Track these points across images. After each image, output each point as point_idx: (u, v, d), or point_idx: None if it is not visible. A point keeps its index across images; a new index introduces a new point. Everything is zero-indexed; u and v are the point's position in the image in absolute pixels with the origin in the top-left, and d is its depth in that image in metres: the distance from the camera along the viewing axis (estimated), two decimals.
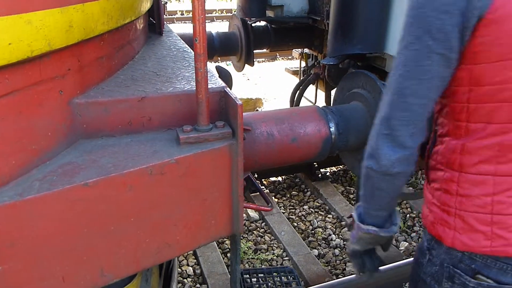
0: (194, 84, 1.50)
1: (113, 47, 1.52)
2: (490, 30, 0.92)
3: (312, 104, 4.36)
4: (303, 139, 1.86)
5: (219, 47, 3.79)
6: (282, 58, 8.96)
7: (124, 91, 1.40)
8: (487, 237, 1.00)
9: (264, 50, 4.22)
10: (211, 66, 3.34)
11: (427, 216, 1.17)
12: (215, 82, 1.51)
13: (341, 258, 3.53)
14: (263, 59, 9.01)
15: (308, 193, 4.45)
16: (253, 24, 3.76)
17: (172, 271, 2.44)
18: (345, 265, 3.44)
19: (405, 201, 4.23)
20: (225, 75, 2.92)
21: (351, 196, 4.42)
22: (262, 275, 2.03)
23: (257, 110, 6.25)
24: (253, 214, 3.96)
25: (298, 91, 3.97)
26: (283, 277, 2.05)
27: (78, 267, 1.21)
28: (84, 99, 1.32)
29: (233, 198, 1.45)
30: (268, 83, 7.32)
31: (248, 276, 2.03)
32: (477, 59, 0.96)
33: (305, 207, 4.22)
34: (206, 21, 1.27)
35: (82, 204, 1.14)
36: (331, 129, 1.92)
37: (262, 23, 3.86)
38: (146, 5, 1.87)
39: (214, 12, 13.25)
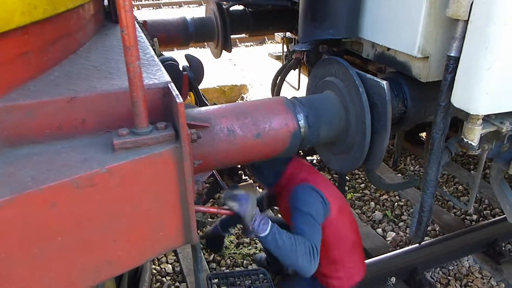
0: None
1: (43, 40, 1.35)
2: None
3: (295, 90, 4.19)
4: (268, 135, 1.71)
5: (194, 33, 3.59)
6: (271, 42, 8.73)
7: (53, 91, 1.24)
8: None
9: (244, 35, 4.01)
10: (181, 54, 3.17)
11: None
12: (159, 76, 1.35)
13: None
14: (251, 43, 8.78)
15: None
16: (230, 8, 3.56)
17: (141, 274, 2.32)
18: None
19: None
20: (196, 65, 2.74)
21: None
22: (232, 279, 1.90)
23: (243, 97, 6.07)
24: None
25: (279, 77, 3.79)
26: (256, 281, 1.93)
27: None
28: (3, 102, 1.15)
29: (183, 206, 1.30)
30: (255, 69, 7.12)
31: (217, 280, 1.90)
32: None
33: None
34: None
35: None
36: (299, 122, 1.76)
37: (240, 6, 3.66)
38: None
39: None
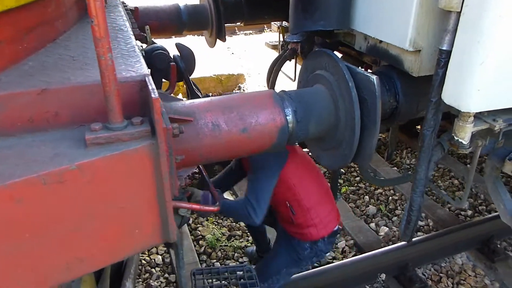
0: (120, 66, 1.29)
1: (17, 29, 1.29)
2: None
3: (291, 81, 4.13)
4: (255, 129, 1.65)
5: (188, 21, 3.51)
6: (270, 31, 8.61)
7: (24, 82, 1.19)
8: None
9: (239, 24, 3.93)
10: (171, 43, 3.10)
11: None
12: (137, 68, 1.29)
13: None
14: (250, 32, 8.66)
15: None
16: None
17: (127, 266, 2.28)
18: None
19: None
20: (187, 54, 2.68)
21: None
22: (216, 275, 1.87)
23: (239, 86, 6.00)
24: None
25: (275, 68, 3.73)
26: (241, 277, 1.90)
27: None
28: None
29: (160, 204, 1.26)
30: (254, 57, 7.03)
31: (201, 276, 1.87)
32: None
33: None
34: None
35: None
36: (287, 117, 1.70)
37: None
38: None
39: None
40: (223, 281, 1.86)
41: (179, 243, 1.57)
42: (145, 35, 3.15)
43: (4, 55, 1.25)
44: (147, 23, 3.41)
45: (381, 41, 1.88)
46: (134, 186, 1.19)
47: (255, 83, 6.14)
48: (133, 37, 1.63)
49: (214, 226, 3.53)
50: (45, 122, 1.20)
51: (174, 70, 2.02)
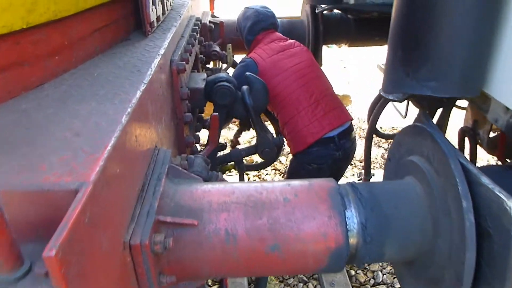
0: (63, 156, 0.84)
1: None
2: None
3: (402, 117, 3.34)
4: (292, 249, 1.06)
5: None
6: None
7: None
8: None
9: (343, 45, 3.28)
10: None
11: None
12: (84, 165, 0.81)
13: None
14: None
15: None
16: (327, 12, 2.88)
17: None
18: None
19: None
20: (258, 88, 2.16)
21: None
22: None
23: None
24: None
25: (377, 105, 3.02)
26: None
27: None
28: None
29: None
30: (367, 75, 6.20)
31: None
32: None
33: None
34: None
35: None
36: (349, 233, 1.08)
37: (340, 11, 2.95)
38: None
39: None
40: None
41: None
42: (226, 54, 2.73)
43: None
44: (233, 39, 2.99)
45: None
46: None
47: (363, 106, 5.36)
48: (142, 88, 1.15)
49: None
50: None
51: (215, 121, 1.52)
